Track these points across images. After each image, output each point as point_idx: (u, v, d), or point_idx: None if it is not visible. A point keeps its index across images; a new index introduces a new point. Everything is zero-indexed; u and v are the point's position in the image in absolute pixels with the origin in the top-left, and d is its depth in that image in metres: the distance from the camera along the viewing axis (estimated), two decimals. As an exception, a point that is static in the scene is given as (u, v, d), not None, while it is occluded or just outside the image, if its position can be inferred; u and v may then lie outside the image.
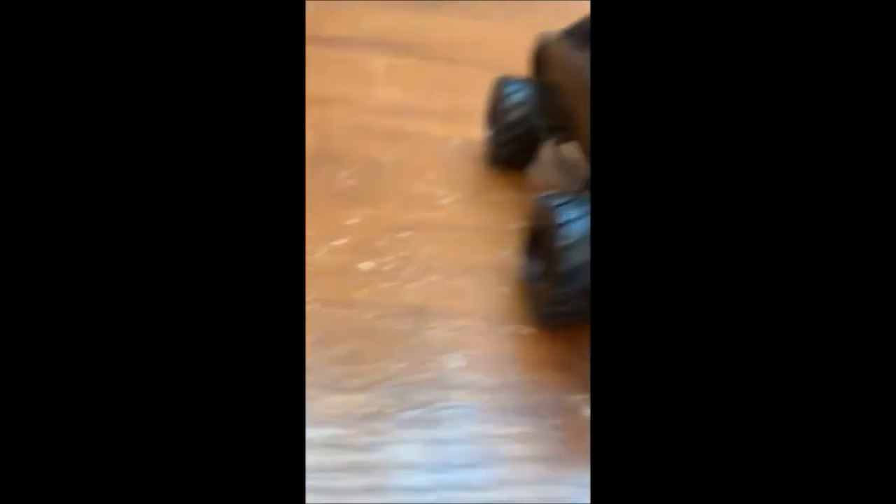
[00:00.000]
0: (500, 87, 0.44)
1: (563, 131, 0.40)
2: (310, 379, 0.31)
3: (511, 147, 0.44)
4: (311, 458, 0.28)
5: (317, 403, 0.30)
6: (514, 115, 0.43)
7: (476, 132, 0.47)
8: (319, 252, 0.38)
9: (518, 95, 0.43)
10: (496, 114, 0.44)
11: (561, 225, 0.31)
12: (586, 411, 0.32)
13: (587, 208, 0.32)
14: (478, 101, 0.47)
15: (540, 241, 0.34)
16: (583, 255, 0.31)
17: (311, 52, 0.54)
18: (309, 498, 0.26)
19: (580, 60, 0.36)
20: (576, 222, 0.31)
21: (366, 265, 0.37)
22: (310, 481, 0.27)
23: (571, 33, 0.39)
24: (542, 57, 0.42)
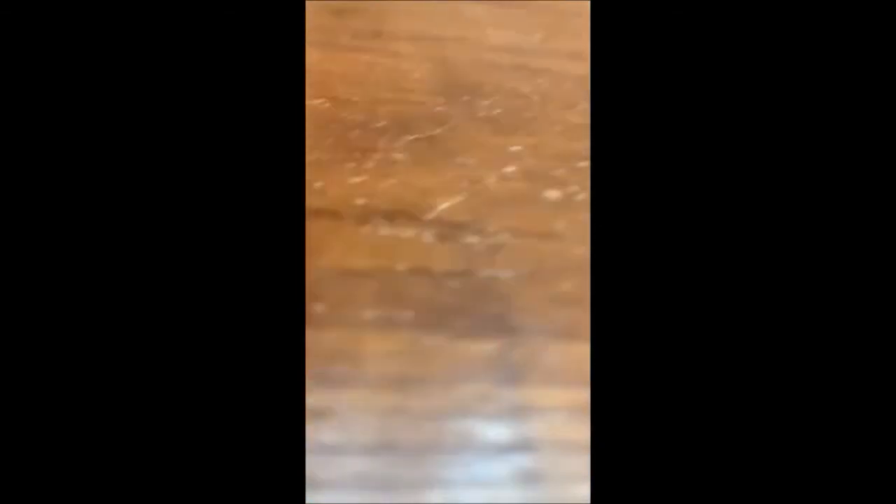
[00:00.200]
0: None
1: None
2: (533, 324, 0.23)
3: None
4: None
5: (554, 355, 0.22)
6: None
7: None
8: (491, 179, 0.29)
9: None
10: None
11: None
12: None
13: None
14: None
15: None
16: None
17: (399, 3, 0.48)
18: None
19: None
20: None
21: (552, 194, 0.29)
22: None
23: None
24: None
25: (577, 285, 0.25)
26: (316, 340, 0.21)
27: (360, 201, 0.27)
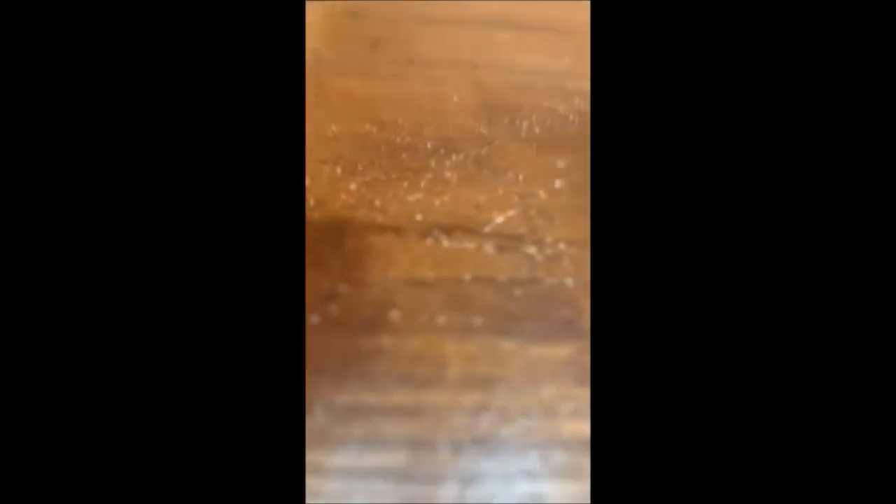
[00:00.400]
0: None
1: None
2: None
3: None
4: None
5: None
6: None
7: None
8: (541, 193, 0.30)
9: None
10: None
11: None
12: None
13: None
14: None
15: None
16: None
17: (442, 29, 0.49)
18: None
19: None
20: None
21: (602, 206, 0.30)
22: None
23: None
24: None
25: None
26: (395, 345, 0.21)
27: (419, 217, 0.28)
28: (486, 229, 0.27)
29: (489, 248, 0.26)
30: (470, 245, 0.26)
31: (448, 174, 0.31)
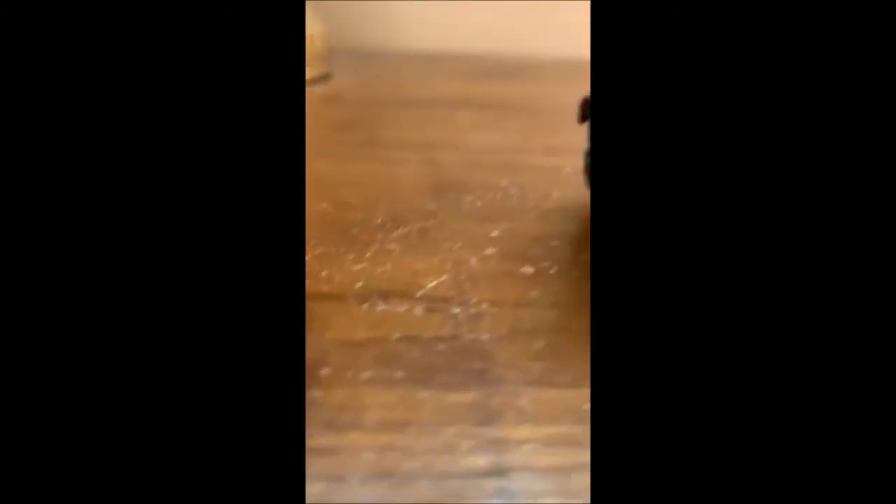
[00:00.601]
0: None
1: None
2: (512, 374, 0.26)
3: None
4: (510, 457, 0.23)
5: (525, 399, 0.25)
6: None
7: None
8: (472, 260, 0.34)
9: None
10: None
11: None
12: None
13: None
14: (575, 139, 0.45)
15: None
16: None
17: (407, 112, 0.54)
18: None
19: None
20: None
21: (527, 269, 0.33)
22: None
23: None
24: None
25: (551, 343, 0.29)
26: (323, 397, 0.25)
27: (360, 284, 0.31)
28: (419, 294, 0.31)
29: (419, 310, 0.30)
30: (402, 308, 0.30)
31: (392, 245, 0.35)
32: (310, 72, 0.60)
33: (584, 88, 0.42)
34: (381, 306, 0.30)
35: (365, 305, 0.30)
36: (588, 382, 0.26)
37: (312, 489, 0.21)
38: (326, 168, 0.44)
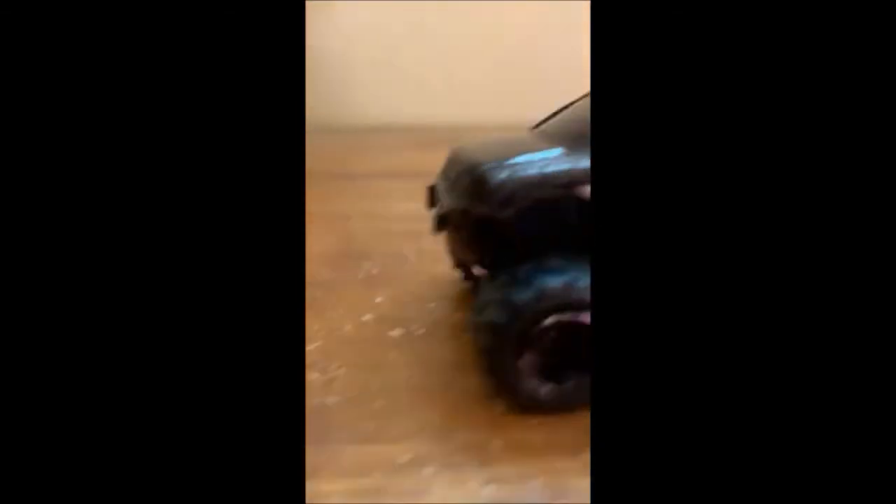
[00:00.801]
0: None
1: None
2: (342, 434, 0.29)
3: None
4: None
5: (349, 454, 0.28)
6: None
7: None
8: (348, 326, 0.36)
9: None
10: None
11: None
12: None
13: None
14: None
15: None
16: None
17: (339, 184, 0.57)
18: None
19: None
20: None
21: (396, 332, 0.36)
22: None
23: None
24: None
25: (391, 402, 0.31)
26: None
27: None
28: (287, 361, 0.34)
29: (280, 376, 0.33)
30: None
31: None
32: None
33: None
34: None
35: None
36: (411, 435, 0.29)
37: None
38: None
